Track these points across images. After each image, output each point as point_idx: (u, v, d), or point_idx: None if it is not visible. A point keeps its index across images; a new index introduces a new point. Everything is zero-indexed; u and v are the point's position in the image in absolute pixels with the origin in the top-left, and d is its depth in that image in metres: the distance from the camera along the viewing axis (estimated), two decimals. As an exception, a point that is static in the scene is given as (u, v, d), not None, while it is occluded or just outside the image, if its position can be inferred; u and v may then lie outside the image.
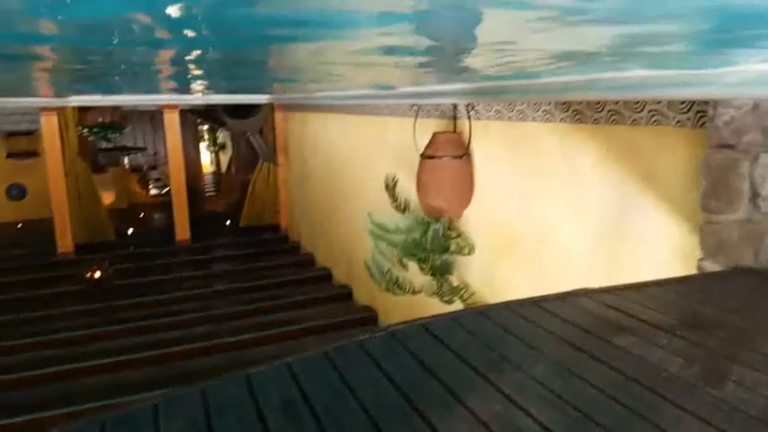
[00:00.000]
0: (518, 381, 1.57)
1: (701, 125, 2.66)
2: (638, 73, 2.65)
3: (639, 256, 3.15)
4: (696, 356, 1.66)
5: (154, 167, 12.10)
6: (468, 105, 4.42)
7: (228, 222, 10.13)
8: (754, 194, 2.38)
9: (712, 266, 2.57)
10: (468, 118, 4.44)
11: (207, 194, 12.30)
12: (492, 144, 4.37)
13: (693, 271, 2.69)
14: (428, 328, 1.90)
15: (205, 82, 4.96)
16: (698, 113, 2.72)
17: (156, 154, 11.91)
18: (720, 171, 2.50)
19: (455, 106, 4.60)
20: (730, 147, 2.45)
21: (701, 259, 2.64)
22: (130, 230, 9.72)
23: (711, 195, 2.56)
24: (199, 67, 3.36)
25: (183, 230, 8.79)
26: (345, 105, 6.56)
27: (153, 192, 11.98)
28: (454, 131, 4.62)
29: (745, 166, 2.40)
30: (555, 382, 1.55)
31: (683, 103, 2.80)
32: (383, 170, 5.42)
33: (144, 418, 1.48)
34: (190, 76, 4.24)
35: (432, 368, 1.64)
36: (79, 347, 5.94)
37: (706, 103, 2.57)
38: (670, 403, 1.43)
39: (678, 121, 2.86)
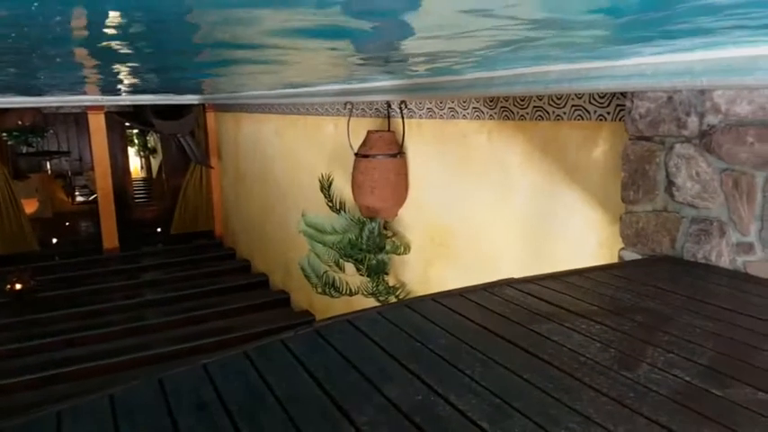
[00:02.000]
0: (440, 370, 1.56)
1: (620, 118, 2.76)
2: (557, 67, 2.72)
3: (566, 247, 3.24)
4: (612, 340, 1.70)
5: (79, 173, 11.46)
6: (401, 104, 4.43)
7: (159, 230, 9.74)
8: (670, 184, 2.48)
9: (632, 255, 2.67)
10: (402, 116, 4.45)
11: (137, 201, 11.79)
12: (425, 142, 4.40)
13: (616, 260, 2.79)
14: (353, 322, 1.87)
15: (133, 80, 4.76)
16: (617, 107, 2.82)
17: (81, 159, 11.30)
18: (638, 162, 2.60)
19: (389, 104, 4.60)
20: (647, 138, 2.55)
21: (621, 249, 2.73)
22: (55, 240, 9.19)
23: (630, 186, 2.65)
24: (126, 63, 3.21)
25: (110, 239, 8.38)
26: (279, 105, 6.45)
27: (79, 199, 11.35)
28: (388, 130, 4.62)
29: (661, 156, 2.50)
30: (476, 370, 1.55)
31: (603, 97, 2.90)
32: (319, 170, 5.35)
33: (45, 426, 1.36)
34: (116, 74, 4.05)
35: (355, 362, 1.60)
36: (1, 363, 5.55)
37: (624, 96, 2.67)
38: (586, 386, 1.45)
39: (599, 116, 2.96)
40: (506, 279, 2.30)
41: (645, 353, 1.61)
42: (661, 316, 1.87)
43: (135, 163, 14.78)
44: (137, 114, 8.70)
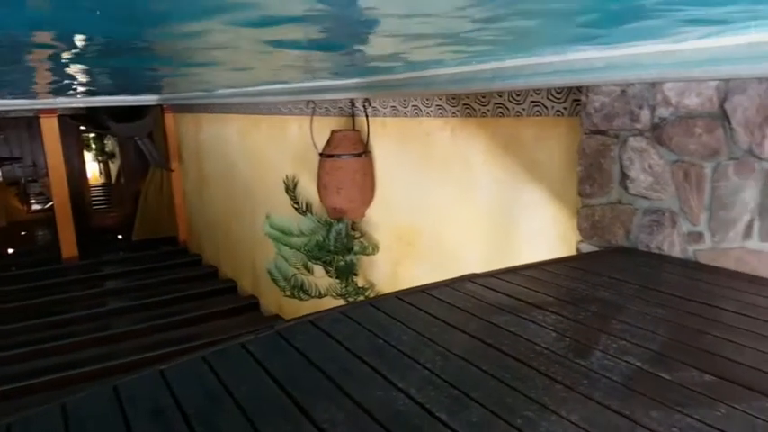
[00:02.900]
0: (401, 365, 1.57)
1: (577, 113, 2.83)
2: (514, 62, 2.77)
3: (528, 242, 3.30)
4: (567, 329, 1.74)
5: (34, 180, 11.09)
6: (364, 102, 4.43)
7: (120, 237, 9.50)
8: (624, 177, 2.55)
9: (589, 247, 2.73)
10: (366, 115, 4.46)
11: (96, 207, 11.47)
12: (390, 141, 4.41)
13: (574, 253, 2.85)
14: (315, 323, 1.86)
15: (86, 81, 4.63)
16: (574, 102, 2.88)
17: (35, 165, 10.91)
18: (593, 156, 2.66)
19: (353, 103, 4.60)
20: (602, 132, 2.61)
21: (579, 241, 2.80)
22: (11, 250, 8.89)
23: (586, 180, 2.72)
24: (79, 62, 3.12)
25: (69, 248, 8.12)
26: (241, 105, 6.37)
27: (35, 207, 11.01)
28: (353, 129, 4.62)
29: (615, 150, 2.57)
30: (436, 363, 1.56)
31: (561, 92, 2.96)
32: (285, 171, 5.32)
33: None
34: (68, 74, 3.94)
35: (316, 362, 1.60)
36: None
37: (580, 91, 2.73)
38: (541, 374, 1.49)
39: (557, 111, 3.02)
40: (468, 274, 2.33)
41: (598, 341, 1.66)
42: (614, 305, 1.93)
43: (93, 168, 14.42)
44: (91, 117, 8.44)
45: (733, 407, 1.32)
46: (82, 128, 9.96)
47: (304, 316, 1.93)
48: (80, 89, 5.66)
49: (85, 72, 3.84)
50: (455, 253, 3.88)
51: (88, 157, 14.08)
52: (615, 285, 2.11)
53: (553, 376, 1.47)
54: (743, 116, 2.08)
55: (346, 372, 1.54)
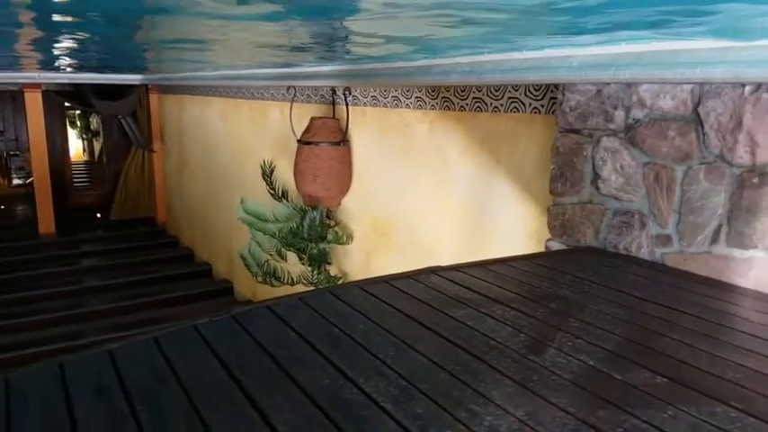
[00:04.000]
0: (354, 355, 1.55)
1: (553, 111, 2.81)
2: (492, 57, 2.75)
3: (500, 237, 3.29)
4: (524, 325, 1.73)
5: (16, 154, 10.90)
6: (345, 90, 4.39)
7: (99, 215, 9.38)
8: (596, 177, 2.54)
9: (558, 246, 2.73)
10: (346, 103, 4.41)
11: (77, 185, 11.29)
12: (369, 131, 4.37)
13: (544, 250, 2.85)
14: (272, 309, 1.83)
15: (73, 57, 4.53)
16: (551, 100, 2.87)
17: (17, 139, 10.69)
18: (567, 155, 2.65)
19: (334, 91, 4.55)
20: (576, 131, 2.60)
21: (548, 239, 2.79)
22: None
23: (558, 179, 2.71)
24: (67, 36, 3.05)
25: (47, 224, 8.00)
26: (224, 88, 6.30)
27: (16, 181, 10.82)
28: (333, 117, 4.57)
29: (589, 149, 2.56)
30: (389, 354, 1.54)
31: (538, 90, 2.94)
32: (264, 157, 5.25)
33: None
34: (55, 48, 3.84)
35: (268, 348, 1.57)
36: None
37: (557, 88, 2.72)
38: (493, 369, 1.47)
39: (534, 108, 3.00)
40: (433, 267, 2.31)
41: (554, 338, 1.65)
42: (575, 303, 1.92)
43: (78, 146, 14.18)
44: (76, 94, 8.31)
45: (681, 410, 1.31)
46: (67, 104, 9.79)
47: (262, 301, 1.90)
48: (65, 63, 5.53)
49: (71, 45, 3.75)
50: (429, 246, 3.87)
51: (73, 134, 13.84)
52: (578, 284, 2.10)
53: (504, 371, 1.46)
54: (716, 121, 2.07)
55: (297, 359, 1.51)
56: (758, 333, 1.72)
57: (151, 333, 1.59)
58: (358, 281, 2.12)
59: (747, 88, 1.95)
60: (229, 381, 1.40)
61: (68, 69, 6.24)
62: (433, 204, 3.80)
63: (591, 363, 1.51)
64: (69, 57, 4.78)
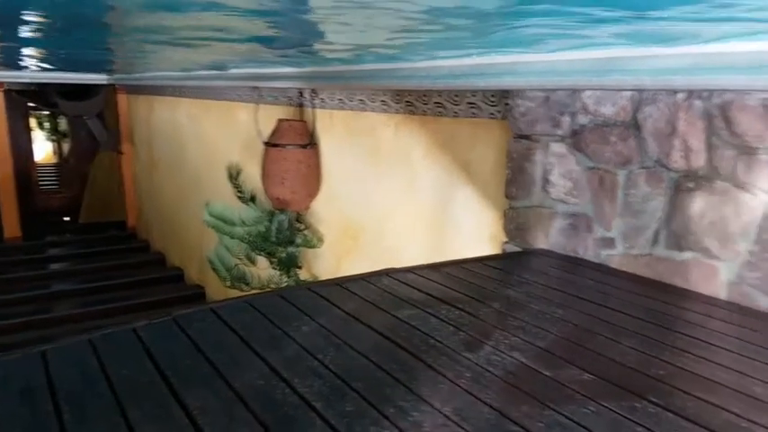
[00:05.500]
0: (291, 355, 1.57)
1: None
2: (446, 63, 2.80)
3: (462, 241, 3.33)
4: (465, 325, 1.77)
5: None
6: (311, 92, 4.41)
7: (68, 219, 9.23)
8: (545, 182, 2.60)
9: (513, 248, 2.78)
10: (312, 106, 4.43)
11: (44, 188, 11.10)
12: (337, 134, 4.40)
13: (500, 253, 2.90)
14: (216, 311, 1.84)
15: (38, 52, 4.45)
16: (506, 105, 2.92)
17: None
18: (519, 160, 2.71)
19: (301, 93, 4.57)
20: (527, 137, 2.66)
21: (504, 242, 2.84)
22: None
23: (512, 183, 2.76)
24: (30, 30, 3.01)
25: (12, 227, 7.85)
26: (192, 89, 6.26)
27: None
28: (300, 119, 4.58)
29: (539, 154, 2.62)
30: (328, 355, 1.57)
31: (495, 96, 3.00)
32: (233, 159, 5.25)
33: None
34: (18, 45, 3.78)
35: (205, 350, 1.58)
36: None
37: (510, 95, 2.77)
38: (428, 367, 1.50)
39: (491, 114, 3.06)
40: (387, 269, 2.34)
41: (492, 336, 1.68)
42: (518, 303, 1.97)
43: (47, 147, 13.95)
44: (40, 94, 8.16)
45: (603, 405, 1.36)
46: (30, 104, 9.63)
47: (207, 304, 1.90)
48: (29, 62, 5.45)
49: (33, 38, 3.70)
50: (396, 249, 3.90)
51: (41, 135, 13.61)
52: (524, 285, 2.15)
53: (439, 369, 1.49)
54: (653, 127, 2.14)
55: (233, 360, 1.52)
56: (687, 331, 1.78)
57: (87, 335, 1.59)
58: (309, 283, 2.15)
59: (680, 95, 2.02)
60: (160, 382, 1.40)
61: (31, 68, 6.14)
62: (400, 207, 3.83)
63: (523, 360, 1.56)
64: (31, 55, 4.72)
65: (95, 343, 1.57)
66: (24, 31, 3.03)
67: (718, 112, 1.96)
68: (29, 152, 9.87)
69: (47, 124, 13.16)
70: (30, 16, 2.30)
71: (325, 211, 4.63)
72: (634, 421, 1.30)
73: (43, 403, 1.29)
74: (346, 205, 4.37)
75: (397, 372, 1.47)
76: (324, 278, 4.71)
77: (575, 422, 1.29)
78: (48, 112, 12.00)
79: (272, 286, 4.64)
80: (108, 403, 1.30)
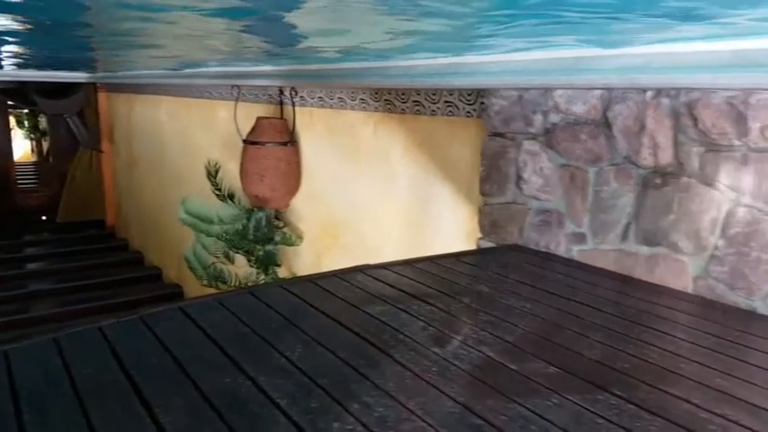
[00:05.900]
0: (259, 353, 1.56)
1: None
2: (422, 62, 2.80)
3: (440, 237, 3.35)
4: (435, 320, 1.78)
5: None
6: (291, 90, 4.40)
7: (45, 218, 9.10)
8: (519, 179, 2.62)
9: (488, 244, 2.80)
10: (292, 103, 4.42)
11: (22, 186, 10.93)
12: (317, 132, 4.39)
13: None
14: (184, 309, 1.83)
15: (17, 50, 4.36)
16: (482, 104, 2.94)
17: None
18: (493, 157, 2.73)
19: (281, 91, 4.55)
20: (501, 135, 2.68)
21: (479, 238, 2.86)
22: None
23: (487, 180, 2.78)
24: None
25: (-12, 226, 7.74)
26: (172, 87, 6.20)
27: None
28: (280, 117, 4.56)
29: (512, 152, 2.64)
30: (296, 351, 1.56)
31: (471, 94, 3.01)
32: (212, 157, 5.21)
33: None
34: None
35: (172, 349, 1.57)
36: None
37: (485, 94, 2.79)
38: (395, 362, 1.51)
39: (467, 112, 3.07)
40: (361, 265, 2.35)
41: (461, 331, 1.70)
42: (488, 298, 1.98)
43: (26, 146, 13.75)
44: (18, 91, 8.02)
45: (566, 398, 1.38)
46: (10, 103, 9.47)
47: (175, 302, 1.89)
48: (8, 62, 5.34)
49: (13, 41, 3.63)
50: (375, 246, 3.90)
51: (21, 134, 13.40)
52: (496, 280, 2.17)
53: (406, 364, 1.50)
54: (623, 124, 2.17)
55: (199, 359, 1.51)
56: (653, 325, 1.81)
57: (52, 334, 1.57)
58: (281, 280, 2.14)
59: (648, 93, 2.05)
60: (124, 381, 1.39)
61: (8, 66, 6.03)
62: (380, 205, 3.84)
63: (490, 354, 1.57)
64: (10, 54, 4.63)
65: (60, 342, 1.56)
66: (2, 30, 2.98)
67: (685, 110, 1.99)
68: (7, 150, 9.72)
69: (26, 122, 12.97)
70: (5, 19, 2.25)
71: (305, 208, 4.62)
72: (595, 413, 1.32)
73: (3, 404, 1.27)
74: (326, 203, 4.37)
75: (364, 367, 1.47)
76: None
77: (537, 415, 1.30)
78: (27, 111, 11.82)
79: (250, 284, 4.62)
80: (70, 403, 1.28)
